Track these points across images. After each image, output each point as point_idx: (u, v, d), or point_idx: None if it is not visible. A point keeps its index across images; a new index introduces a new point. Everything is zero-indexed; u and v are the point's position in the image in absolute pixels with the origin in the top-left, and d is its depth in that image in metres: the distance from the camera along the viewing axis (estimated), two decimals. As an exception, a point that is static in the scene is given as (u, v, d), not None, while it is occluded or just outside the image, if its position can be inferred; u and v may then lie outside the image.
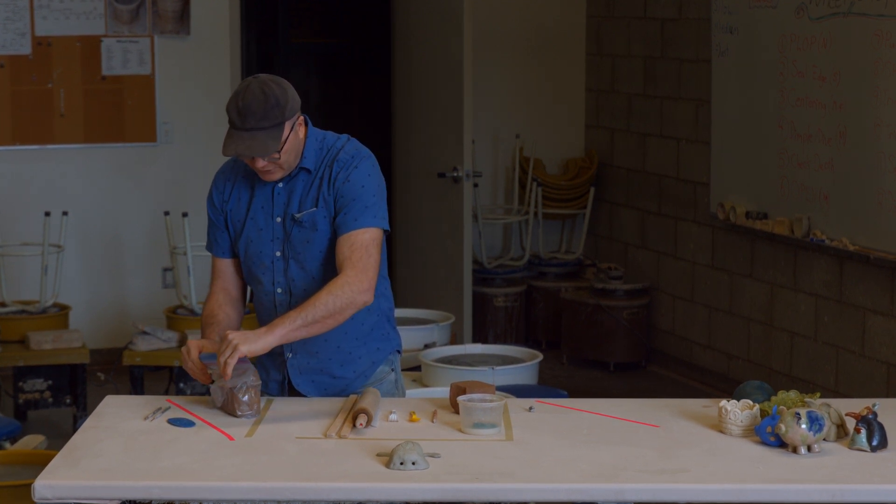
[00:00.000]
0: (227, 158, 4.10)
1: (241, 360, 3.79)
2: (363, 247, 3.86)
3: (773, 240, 7.35)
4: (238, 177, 4.03)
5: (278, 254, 3.97)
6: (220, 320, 4.04)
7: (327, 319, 3.79)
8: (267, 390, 4.06)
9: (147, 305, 8.45)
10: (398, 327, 4.23)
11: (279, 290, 3.99)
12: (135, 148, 8.48)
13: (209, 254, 4.19)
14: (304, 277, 3.96)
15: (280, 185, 3.96)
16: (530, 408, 3.92)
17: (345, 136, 4.02)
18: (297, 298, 3.95)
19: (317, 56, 11.44)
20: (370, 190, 3.90)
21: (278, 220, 3.96)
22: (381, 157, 4.13)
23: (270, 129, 3.80)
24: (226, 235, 4.07)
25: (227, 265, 4.11)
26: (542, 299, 8.88)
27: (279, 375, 4.06)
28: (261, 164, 3.86)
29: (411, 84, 9.44)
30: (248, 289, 4.21)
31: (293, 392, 4.06)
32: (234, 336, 3.73)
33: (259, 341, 3.74)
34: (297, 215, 3.93)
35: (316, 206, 3.92)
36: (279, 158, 3.85)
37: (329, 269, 3.93)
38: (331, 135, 4.00)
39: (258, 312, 4.10)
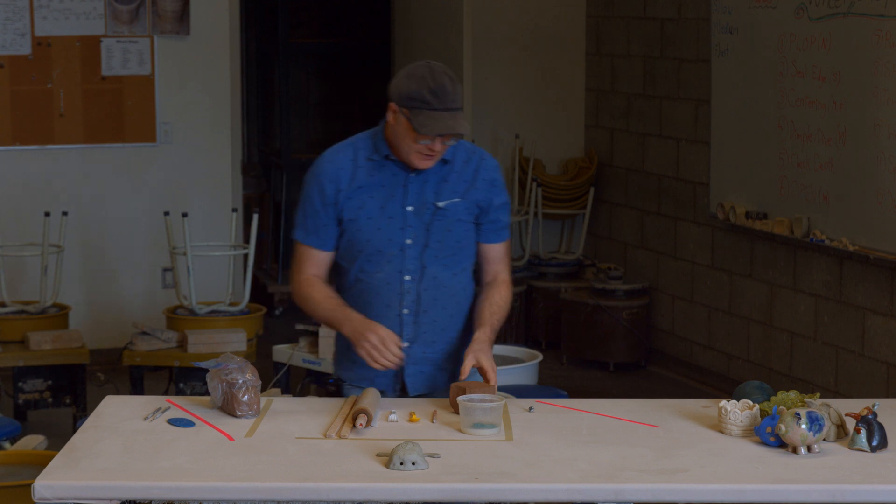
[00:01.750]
0: (332, 147, 4.10)
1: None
2: (510, 253, 4.17)
3: (773, 240, 7.36)
4: (357, 168, 4.01)
5: (409, 241, 4.00)
6: (343, 302, 4.03)
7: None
8: (375, 385, 4.04)
9: (147, 305, 8.45)
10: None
11: (407, 278, 4.01)
12: (134, 148, 8.48)
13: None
14: (437, 264, 4.01)
15: (412, 174, 3.99)
16: (530, 408, 3.92)
17: None
18: (425, 284, 4.00)
19: (317, 56, 11.44)
20: None
21: (410, 209, 3.99)
22: (381, 157, 4.15)
23: (460, 110, 3.90)
24: (332, 229, 4.04)
25: (322, 256, 4.07)
26: (542, 299, 8.88)
27: (390, 368, 4.01)
28: (439, 146, 3.90)
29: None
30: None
31: (404, 387, 4.07)
32: (487, 361, 3.91)
33: (491, 348, 4.02)
34: (441, 204, 3.98)
35: (461, 198, 4.00)
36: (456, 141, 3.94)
37: (458, 259, 4.04)
38: None
39: (366, 302, 4.04)
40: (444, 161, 3.99)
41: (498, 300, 4.08)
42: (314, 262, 4.07)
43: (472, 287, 4.14)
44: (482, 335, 3.97)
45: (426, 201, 3.99)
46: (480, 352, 3.92)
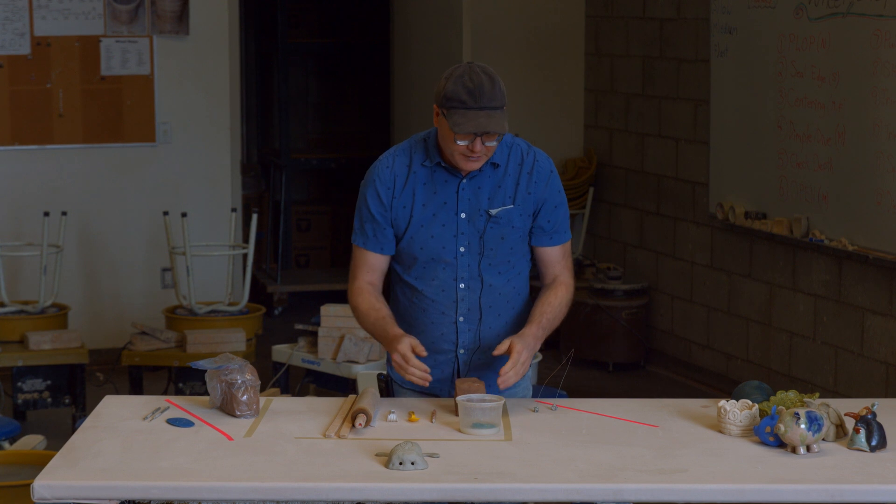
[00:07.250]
0: (385, 152, 4.05)
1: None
2: (570, 254, 4.09)
3: (772, 240, 7.36)
4: (411, 174, 3.97)
5: (463, 249, 3.97)
6: (388, 314, 3.98)
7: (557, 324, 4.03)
8: (432, 390, 4.01)
9: (146, 305, 8.45)
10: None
11: (462, 286, 3.98)
12: (134, 148, 8.48)
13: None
14: (491, 272, 3.98)
15: (465, 180, 3.95)
16: (534, 409, 3.92)
17: (510, 134, 4.06)
18: (480, 293, 3.97)
19: (316, 56, 11.44)
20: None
21: (463, 216, 3.95)
22: (381, 157, 4.13)
23: (499, 109, 3.84)
24: (390, 233, 4.00)
25: (381, 261, 4.03)
26: (541, 299, 8.87)
27: (446, 373, 4.01)
28: (479, 147, 3.84)
29: (411, 84, 9.44)
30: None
31: None
32: (523, 348, 3.83)
33: (536, 346, 3.92)
34: (493, 212, 3.95)
35: (513, 204, 3.96)
36: (499, 142, 3.88)
37: (512, 264, 4.00)
38: None
39: (421, 309, 4.02)
40: (494, 165, 3.95)
41: (552, 300, 3.99)
42: (370, 268, 4.03)
43: (528, 291, 4.09)
44: (527, 330, 3.91)
45: (479, 208, 3.94)
46: (519, 338, 3.87)
